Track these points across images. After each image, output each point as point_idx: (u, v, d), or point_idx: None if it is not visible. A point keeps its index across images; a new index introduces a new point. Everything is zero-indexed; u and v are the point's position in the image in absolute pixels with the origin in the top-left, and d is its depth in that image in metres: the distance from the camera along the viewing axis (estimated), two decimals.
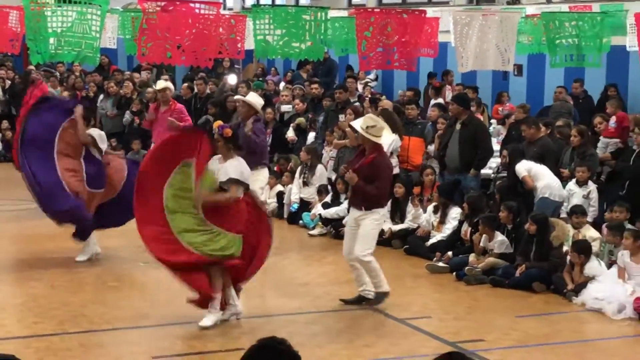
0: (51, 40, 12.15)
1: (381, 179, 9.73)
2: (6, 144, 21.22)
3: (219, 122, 10.00)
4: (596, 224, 11.68)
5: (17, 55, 21.21)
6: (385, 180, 9.84)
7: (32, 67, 22.00)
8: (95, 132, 11.99)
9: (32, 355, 8.09)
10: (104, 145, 11.93)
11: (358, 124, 9.87)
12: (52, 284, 10.90)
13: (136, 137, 18.50)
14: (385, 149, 13.13)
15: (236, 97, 13.48)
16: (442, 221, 12.54)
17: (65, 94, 15.10)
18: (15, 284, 10.85)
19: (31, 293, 10.52)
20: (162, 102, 14.73)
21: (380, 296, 9.96)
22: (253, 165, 10.82)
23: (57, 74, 22.18)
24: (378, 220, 9.87)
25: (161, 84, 15.19)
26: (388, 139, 10.30)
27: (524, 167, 12.24)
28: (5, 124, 21.50)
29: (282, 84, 21.26)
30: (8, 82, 22.12)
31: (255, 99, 12.54)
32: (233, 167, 9.15)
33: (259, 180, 12.22)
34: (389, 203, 13.20)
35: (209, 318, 9.15)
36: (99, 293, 10.53)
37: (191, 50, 12.37)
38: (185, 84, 19.35)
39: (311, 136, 16.34)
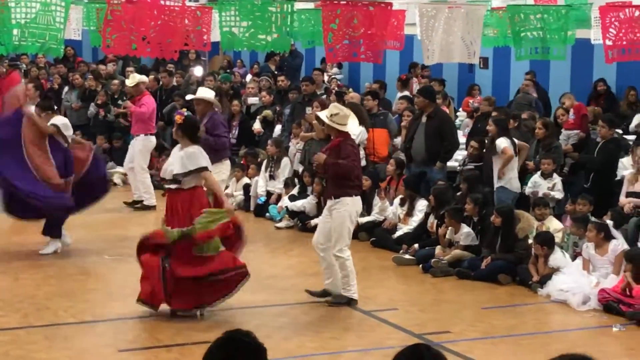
0: (15, 31, 12.00)
1: (349, 156, 9.60)
2: None
3: (183, 110, 9.97)
4: (560, 216, 11.78)
5: None
6: (354, 160, 9.69)
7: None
8: (59, 121, 11.95)
9: None
10: (69, 132, 11.89)
11: (324, 113, 9.87)
12: (16, 276, 10.82)
13: (101, 130, 18.38)
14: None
15: (187, 96, 13.44)
16: (409, 213, 12.58)
17: (30, 85, 14.92)
18: None
19: None
20: (135, 94, 14.82)
21: (343, 298, 9.79)
22: (216, 160, 10.82)
23: (23, 65, 21.98)
24: (346, 209, 9.66)
25: (132, 79, 15.22)
26: (355, 128, 10.26)
27: (505, 141, 12.20)
28: None
29: (248, 76, 21.23)
30: None
31: (206, 93, 12.51)
32: (189, 155, 9.15)
33: (222, 173, 12.23)
34: None
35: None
36: (64, 286, 10.46)
37: (156, 42, 12.26)
38: (151, 76, 19.25)
39: (277, 129, 16.32)
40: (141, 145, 14.88)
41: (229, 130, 16.36)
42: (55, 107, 13.80)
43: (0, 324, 9.01)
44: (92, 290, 10.58)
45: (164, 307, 9.30)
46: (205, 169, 9.18)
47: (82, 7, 16.64)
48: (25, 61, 22.35)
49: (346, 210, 9.69)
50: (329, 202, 9.86)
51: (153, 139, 15.19)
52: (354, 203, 9.78)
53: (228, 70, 21.60)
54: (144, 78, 15.53)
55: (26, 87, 13.59)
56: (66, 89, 19.80)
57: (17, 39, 11.99)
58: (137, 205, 14.91)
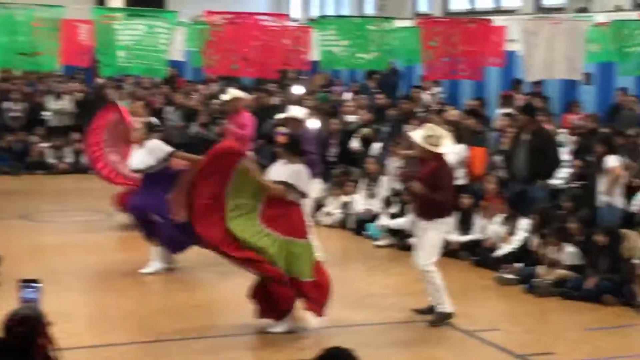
0: (121, 53, 12.32)
1: (443, 188, 9.62)
2: (76, 155, 21.57)
3: (281, 129, 10.13)
4: None
5: (87, 68, 21.53)
6: (447, 189, 9.71)
7: (101, 80, 22.39)
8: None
9: None
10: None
11: (418, 135, 9.82)
12: (121, 293, 11.02)
13: (202, 148, 18.61)
14: (452, 159, 13.12)
15: (279, 115, 13.29)
16: (511, 232, 12.41)
17: (138, 104, 15.30)
18: (86, 293, 10.99)
19: (101, 303, 10.66)
20: (231, 111, 14.94)
21: (440, 316, 9.77)
22: None
23: (126, 86, 22.48)
24: (441, 230, 9.74)
25: (228, 95, 15.35)
26: (450, 148, 10.17)
27: (614, 160, 11.97)
28: (76, 135, 21.85)
29: (346, 95, 21.26)
30: (78, 95, 22.48)
31: (296, 112, 12.39)
32: (292, 173, 9.25)
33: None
34: (456, 214, 13.14)
35: (280, 325, 9.25)
36: (167, 303, 10.61)
37: (257, 61, 12.43)
38: (252, 95, 19.46)
39: (376, 147, 16.29)
40: None
41: (327, 148, 16.44)
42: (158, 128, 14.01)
43: (106, 340, 9.17)
44: (195, 306, 10.69)
45: (265, 324, 9.37)
46: (292, 186, 9.24)
47: (185, 28, 16.96)
48: (129, 82, 22.85)
49: (439, 230, 9.72)
50: (422, 222, 9.82)
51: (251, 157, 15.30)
52: (447, 223, 9.88)
53: (326, 90, 21.68)
54: (241, 94, 15.58)
55: (136, 106, 13.95)
56: (169, 108, 20.17)
57: (123, 61, 12.30)
58: None
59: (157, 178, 11.62)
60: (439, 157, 9.66)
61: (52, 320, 4.47)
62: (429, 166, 9.67)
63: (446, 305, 9.74)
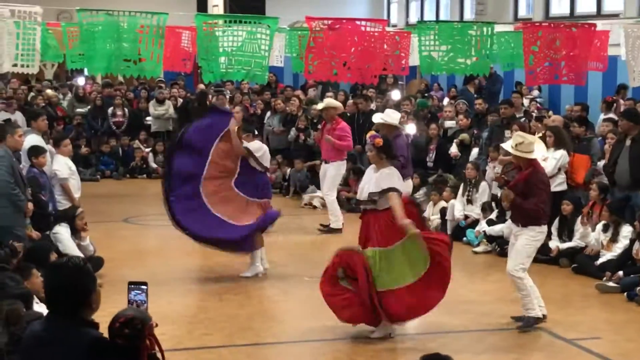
0: (222, 59, 12.49)
1: (537, 195, 9.52)
2: None
3: (371, 132, 10.11)
4: None
5: (189, 74, 21.92)
6: (541, 196, 9.57)
7: (202, 86, 22.74)
8: (255, 146, 12.12)
9: None
10: (264, 161, 12.08)
11: (508, 144, 9.80)
12: (221, 297, 11.17)
13: (301, 153, 18.79)
14: (552, 165, 12.94)
15: (373, 118, 13.20)
16: (613, 240, 12.18)
17: (237, 109, 15.53)
18: (186, 296, 11.17)
19: (201, 306, 10.82)
20: (326, 119, 15.04)
21: (530, 320, 9.66)
22: None
23: (227, 92, 22.79)
24: (534, 237, 9.62)
25: (322, 104, 15.48)
26: (542, 152, 10.04)
27: None
28: None
29: (445, 100, 21.17)
30: (180, 100, 22.89)
31: (389, 117, 12.31)
32: (385, 176, 9.23)
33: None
34: (556, 221, 12.96)
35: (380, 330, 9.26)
36: (265, 307, 10.72)
37: (357, 67, 12.47)
38: (350, 101, 19.55)
39: (474, 152, 16.18)
40: (334, 172, 15.08)
41: (427, 153, 16.43)
42: (257, 132, 14.17)
43: (206, 342, 9.31)
44: (291, 310, 10.78)
45: (361, 329, 9.38)
46: (394, 189, 9.22)
47: (285, 34, 17.11)
48: (229, 87, 23.15)
49: (532, 236, 9.62)
50: (515, 228, 9.74)
51: (344, 165, 15.42)
52: (543, 232, 9.76)
53: (425, 95, 21.62)
54: (335, 103, 15.62)
55: (234, 111, 14.11)
56: (268, 113, 20.37)
57: (224, 67, 12.48)
58: (325, 227, 15.15)
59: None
60: (532, 163, 9.59)
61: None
62: (523, 174, 9.60)
63: (536, 310, 9.65)
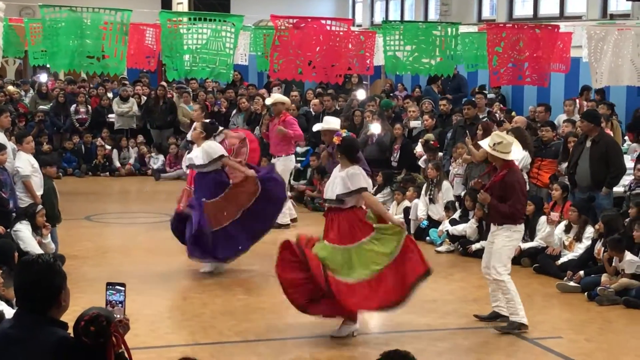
0: (186, 57, 12.44)
1: (514, 196, 9.57)
2: (141, 158, 21.85)
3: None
4: None
5: (153, 72, 21.81)
6: (517, 197, 9.64)
7: (164, 83, 22.67)
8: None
9: None
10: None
11: (486, 142, 9.80)
12: (184, 295, 11.14)
13: (264, 153, 18.76)
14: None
15: (314, 127, 13.18)
16: (577, 239, 12.27)
17: (196, 107, 15.54)
18: (149, 294, 11.11)
19: (164, 304, 10.78)
20: (275, 114, 15.13)
21: (514, 324, 9.68)
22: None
23: (190, 90, 22.71)
24: (510, 237, 9.64)
25: (270, 99, 15.61)
26: (519, 154, 10.09)
27: None
28: (140, 138, 22.14)
29: (408, 102, 21.20)
30: (144, 98, 22.78)
31: (330, 124, 12.27)
32: (350, 176, 9.28)
33: None
34: None
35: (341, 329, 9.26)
36: (228, 305, 10.70)
37: (322, 66, 12.47)
38: (317, 100, 19.56)
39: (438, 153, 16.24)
40: (282, 166, 15.12)
41: (391, 153, 16.47)
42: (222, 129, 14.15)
43: (169, 341, 9.29)
44: (256, 309, 10.77)
45: (324, 330, 9.40)
46: (365, 189, 9.26)
47: (249, 32, 17.07)
48: (193, 86, 23.09)
49: (508, 235, 9.63)
50: (493, 227, 9.80)
51: (293, 159, 15.48)
52: (520, 230, 9.77)
53: (390, 95, 21.67)
54: (283, 98, 15.77)
55: (196, 108, 14.14)
56: (234, 112, 20.33)
57: (189, 64, 12.43)
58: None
59: (206, 181, 11.83)
60: (509, 163, 9.62)
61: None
62: (498, 175, 9.64)
63: (520, 315, 9.65)
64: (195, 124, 12.84)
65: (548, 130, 14.26)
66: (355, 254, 9.16)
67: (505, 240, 9.62)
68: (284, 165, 15.14)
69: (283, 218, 15.18)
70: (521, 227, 9.77)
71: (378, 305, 9.26)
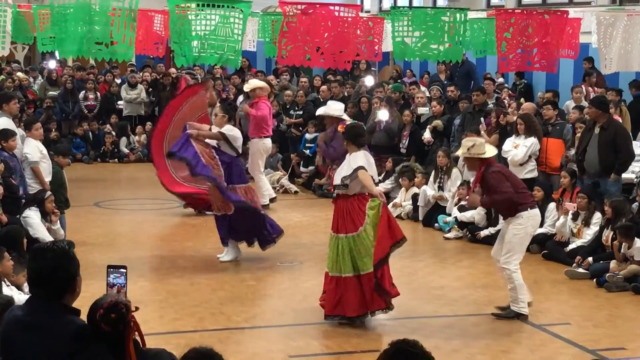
0: (195, 43, 12.43)
1: (499, 183, 9.49)
2: (149, 143, 21.85)
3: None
4: None
5: (161, 59, 21.80)
6: (502, 182, 9.51)
7: (172, 70, 22.64)
8: (229, 130, 12.10)
9: (172, 352, 8.25)
10: (237, 143, 12.06)
11: (460, 152, 9.92)
12: (192, 281, 11.15)
13: (274, 139, 18.75)
14: (522, 152, 13.01)
15: (317, 111, 13.20)
16: (587, 224, 12.23)
17: (211, 91, 15.63)
18: (156, 281, 11.14)
19: (172, 290, 10.79)
20: (253, 99, 15.36)
21: (511, 313, 9.66)
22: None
23: (198, 76, 22.68)
24: (522, 224, 9.57)
25: (248, 85, 15.74)
26: (493, 151, 10.03)
27: None
28: (149, 125, 22.14)
29: (422, 88, 21.16)
30: (152, 84, 22.76)
31: (331, 110, 12.21)
32: (352, 158, 9.34)
33: None
34: None
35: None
36: (237, 291, 10.71)
37: (330, 52, 12.45)
38: (324, 86, 19.53)
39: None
40: (255, 148, 15.36)
41: (400, 139, 16.45)
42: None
43: (177, 327, 9.30)
44: (264, 296, 10.79)
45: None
46: (361, 167, 9.25)
47: (257, 19, 17.04)
48: (199, 72, 23.06)
49: (519, 223, 9.59)
50: (508, 218, 9.76)
51: (268, 142, 15.58)
52: (531, 216, 9.66)
53: (399, 81, 21.62)
54: (260, 83, 15.89)
55: (208, 94, 14.25)
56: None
57: (197, 51, 12.42)
58: None
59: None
60: (484, 161, 9.60)
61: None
62: (477, 175, 9.64)
63: (521, 305, 9.64)
64: (215, 109, 12.89)
65: (549, 109, 14.22)
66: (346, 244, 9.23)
67: (515, 229, 9.59)
68: (256, 147, 15.51)
69: (262, 198, 15.38)
70: (531, 214, 9.67)
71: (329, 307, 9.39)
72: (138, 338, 4.47)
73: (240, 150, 12.14)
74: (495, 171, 9.63)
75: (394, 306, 9.35)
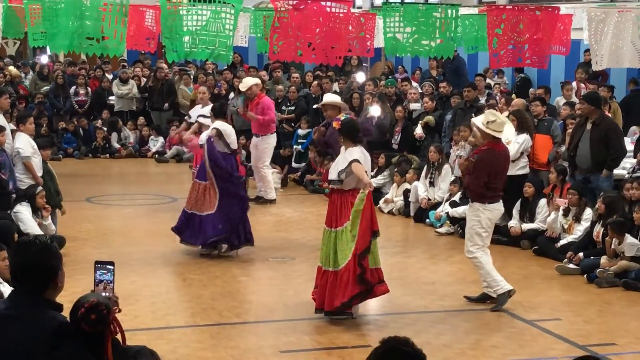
0: (186, 38, 12.40)
1: (476, 171, 9.70)
2: (142, 139, 21.84)
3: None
4: None
5: (153, 54, 21.76)
6: (479, 173, 9.69)
7: (162, 64, 22.61)
8: (222, 126, 12.14)
9: (164, 346, 8.28)
10: (231, 139, 12.08)
11: (479, 120, 9.87)
12: (183, 277, 11.16)
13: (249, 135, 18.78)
14: (515, 149, 13.03)
15: (315, 105, 13.33)
16: (577, 220, 12.27)
17: (202, 88, 15.60)
18: (149, 276, 11.13)
19: (164, 286, 10.80)
20: (250, 97, 15.34)
21: (503, 297, 9.79)
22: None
23: (191, 72, 22.66)
24: (478, 215, 9.80)
25: (242, 84, 15.77)
26: (510, 135, 10.13)
27: None
28: (141, 120, 22.13)
29: (414, 83, 21.18)
30: (144, 80, 22.74)
31: (331, 98, 12.22)
32: (347, 153, 9.36)
33: None
34: (518, 203, 13.05)
35: None
36: (228, 287, 10.72)
37: (321, 48, 12.43)
38: (315, 82, 19.52)
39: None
40: (264, 145, 15.86)
41: (392, 135, 16.47)
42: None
43: (169, 322, 9.30)
44: (255, 291, 10.80)
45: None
46: (356, 160, 9.26)
47: (249, 14, 17.02)
48: (192, 68, 23.04)
49: (476, 214, 9.81)
50: (469, 207, 10.03)
51: (274, 137, 15.87)
52: (488, 210, 9.84)
53: (390, 77, 21.63)
54: (256, 81, 15.94)
55: (199, 91, 14.30)
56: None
57: (188, 46, 12.39)
58: (259, 200, 15.81)
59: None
60: (491, 143, 9.67)
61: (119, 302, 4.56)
62: (477, 149, 9.75)
63: (502, 285, 9.79)
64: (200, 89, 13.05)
65: (537, 105, 14.25)
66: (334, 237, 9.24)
67: (474, 219, 9.83)
68: (266, 143, 15.89)
69: (270, 193, 15.50)
70: (492, 207, 9.82)
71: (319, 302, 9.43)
72: (119, 337, 4.47)
73: (234, 147, 12.13)
74: (487, 161, 9.75)
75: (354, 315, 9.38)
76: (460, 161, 10.51)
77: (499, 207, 10.01)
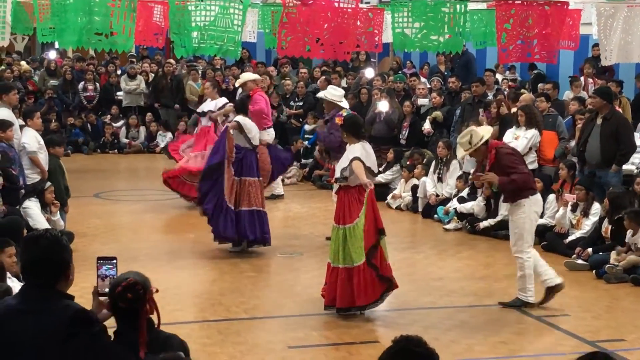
0: (194, 34, 12.42)
1: (515, 167, 9.51)
2: (149, 135, 21.86)
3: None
4: None
5: (161, 49, 21.76)
6: (518, 165, 9.58)
7: (171, 61, 22.62)
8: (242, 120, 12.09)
9: None
10: (251, 135, 12.02)
11: (461, 151, 9.85)
12: (192, 272, 11.17)
13: (274, 130, 18.73)
14: (523, 144, 13.01)
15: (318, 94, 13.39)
16: (586, 214, 12.23)
17: (208, 84, 15.55)
18: (157, 272, 11.10)
19: (172, 281, 10.80)
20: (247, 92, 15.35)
21: (518, 302, 9.74)
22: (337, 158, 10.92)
23: (199, 67, 22.67)
24: (526, 212, 9.57)
25: (240, 79, 15.72)
26: (488, 131, 9.99)
27: None
28: (149, 116, 22.15)
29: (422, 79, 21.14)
30: (152, 75, 22.75)
31: (330, 94, 12.16)
32: (349, 149, 9.37)
33: None
34: None
35: None
36: (237, 282, 10.73)
37: (330, 43, 12.43)
38: (323, 77, 19.51)
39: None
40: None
41: (400, 130, 16.46)
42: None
43: (177, 318, 9.30)
44: (264, 287, 10.81)
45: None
46: (356, 158, 9.24)
47: (257, 9, 17.03)
48: (202, 63, 23.04)
49: (523, 212, 9.59)
50: (509, 207, 9.79)
51: (271, 131, 15.59)
52: (533, 203, 9.67)
53: (399, 72, 21.61)
54: (253, 76, 15.80)
55: (206, 86, 14.22)
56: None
57: (197, 42, 12.42)
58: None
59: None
60: (490, 146, 9.59)
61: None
62: (490, 158, 9.59)
63: (529, 294, 9.68)
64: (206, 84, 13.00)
65: (542, 101, 14.22)
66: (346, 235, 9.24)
67: (521, 217, 9.59)
68: (262, 139, 15.48)
69: (277, 188, 15.44)
70: (532, 201, 9.67)
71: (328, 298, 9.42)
72: (155, 318, 4.61)
73: (255, 143, 12.06)
74: (509, 152, 9.68)
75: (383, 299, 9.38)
76: (473, 177, 10.39)
77: (540, 197, 9.93)
